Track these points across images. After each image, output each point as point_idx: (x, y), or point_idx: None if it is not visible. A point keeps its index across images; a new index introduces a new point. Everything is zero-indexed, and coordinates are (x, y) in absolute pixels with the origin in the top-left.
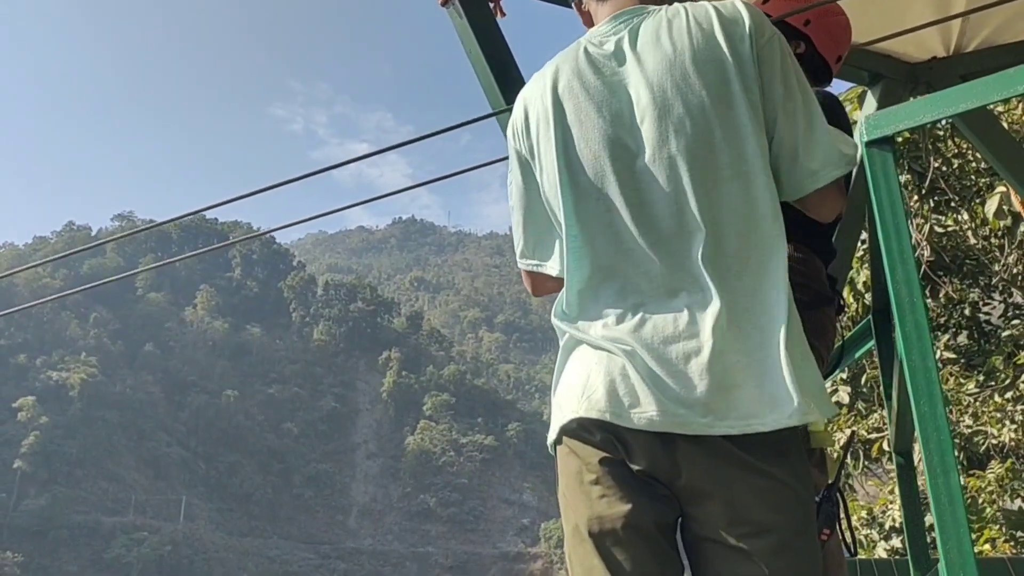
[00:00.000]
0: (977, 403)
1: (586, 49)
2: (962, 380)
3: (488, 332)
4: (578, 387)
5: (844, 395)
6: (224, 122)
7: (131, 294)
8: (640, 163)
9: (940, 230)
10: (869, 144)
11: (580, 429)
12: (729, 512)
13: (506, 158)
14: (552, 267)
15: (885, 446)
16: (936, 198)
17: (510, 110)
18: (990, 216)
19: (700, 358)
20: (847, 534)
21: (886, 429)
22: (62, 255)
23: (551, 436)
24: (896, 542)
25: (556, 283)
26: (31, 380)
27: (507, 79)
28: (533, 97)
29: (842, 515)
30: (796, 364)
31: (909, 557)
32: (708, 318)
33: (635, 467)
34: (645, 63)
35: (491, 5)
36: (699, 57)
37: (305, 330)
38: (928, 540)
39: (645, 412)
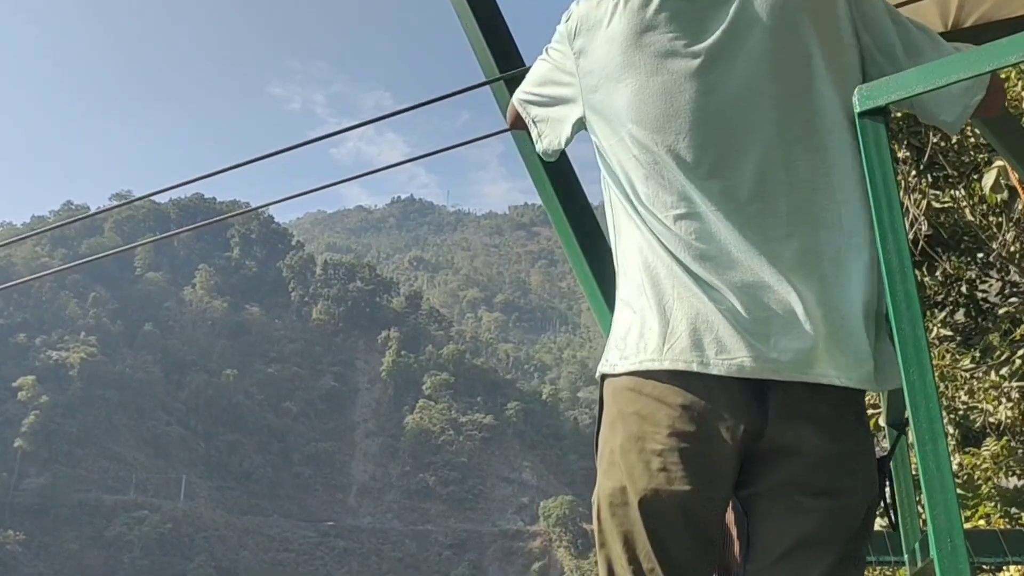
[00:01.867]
0: (973, 380)
1: None
2: (958, 357)
3: (487, 312)
4: (656, 327)
5: None
6: (222, 101)
7: (130, 274)
8: (730, 100)
9: (938, 205)
10: (862, 115)
11: (655, 380)
12: (805, 470)
13: (503, 131)
14: (535, 133)
15: (881, 422)
16: (934, 173)
17: (505, 78)
18: (987, 190)
19: (793, 304)
20: (891, 510)
21: (880, 405)
22: (60, 223)
23: (611, 368)
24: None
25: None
26: (31, 359)
27: (501, 47)
28: (606, 12)
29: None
30: (881, 326)
31: (901, 529)
32: (801, 266)
33: (713, 430)
34: (744, 7)
35: None
36: (798, 13)
37: (304, 309)
38: (919, 515)
39: (735, 358)
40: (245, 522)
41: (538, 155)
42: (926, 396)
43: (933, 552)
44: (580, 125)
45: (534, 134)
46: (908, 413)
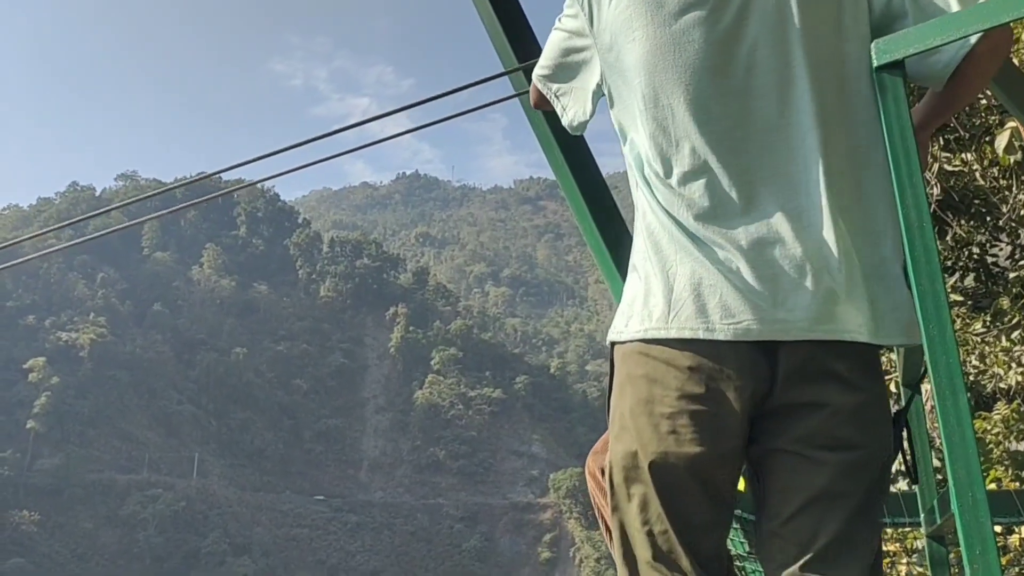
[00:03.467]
0: (984, 344)
1: None
2: (968, 321)
3: (494, 286)
4: (661, 294)
5: None
6: (224, 79)
7: (137, 254)
8: (743, 51)
9: (950, 169)
10: (879, 69)
11: (663, 345)
12: (817, 424)
13: (506, 99)
14: (559, 106)
15: (892, 388)
16: (945, 136)
17: (524, 68)
18: (1000, 151)
19: (801, 261)
20: (910, 465)
21: (892, 371)
22: (70, 222)
23: (618, 335)
24: (903, 484)
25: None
26: (41, 341)
27: (517, 32)
28: None
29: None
30: (899, 281)
31: (918, 490)
32: (812, 221)
33: (721, 391)
34: None
35: None
36: None
37: (312, 287)
38: (935, 475)
39: (741, 322)
40: (258, 498)
41: (549, 129)
42: (946, 351)
43: (954, 507)
44: (601, 91)
45: (558, 108)
46: (928, 368)
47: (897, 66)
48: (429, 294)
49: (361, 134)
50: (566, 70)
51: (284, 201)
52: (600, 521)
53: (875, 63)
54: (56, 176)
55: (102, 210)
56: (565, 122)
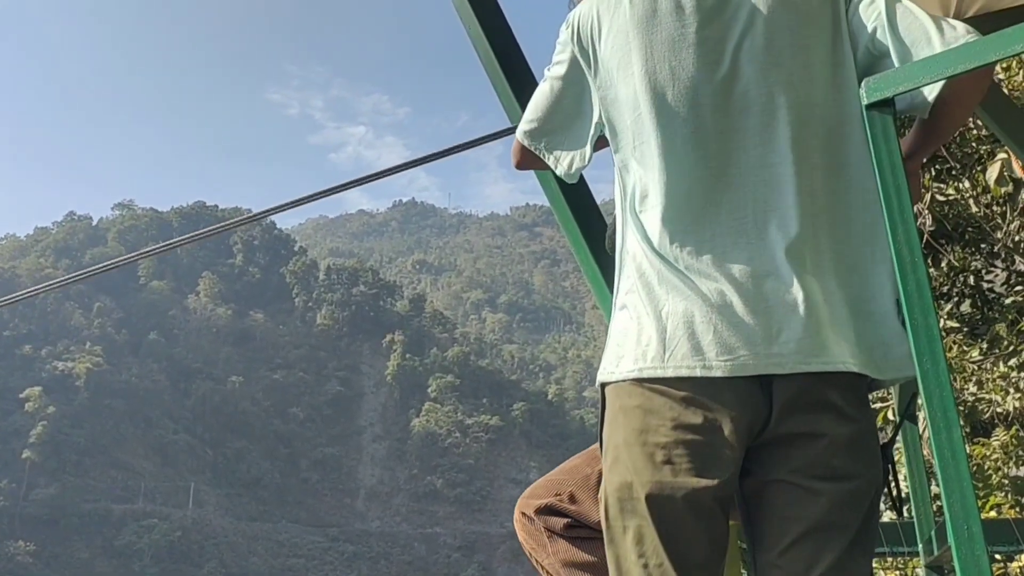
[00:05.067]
0: (981, 371)
1: None
2: (965, 348)
3: (491, 313)
4: (654, 333)
5: None
6: (221, 108)
7: (134, 283)
8: (737, 90)
9: (941, 198)
10: (869, 107)
11: (656, 382)
12: (813, 454)
13: (504, 134)
14: (551, 160)
15: (890, 415)
16: (937, 166)
17: (517, 99)
18: (991, 183)
19: (793, 295)
20: (895, 494)
21: (890, 399)
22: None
23: (610, 375)
24: (892, 514)
25: (541, 164)
26: (37, 370)
27: (508, 57)
28: (612, 7)
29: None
30: (888, 317)
31: (915, 519)
32: (802, 254)
33: (717, 422)
34: (754, 2)
35: None
36: (804, 9)
37: (308, 315)
38: (932, 504)
39: (737, 357)
40: (254, 528)
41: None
42: (939, 385)
43: (951, 539)
44: (599, 130)
45: (550, 162)
46: (921, 401)
47: (887, 104)
48: (426, 321)
49: (358, 162)
50: (559, 116)
51: (280, 229)
52: (538, 568)
53: (865, 101)
54: (53, 206)
55: (134, 255)
56: (560, 172)
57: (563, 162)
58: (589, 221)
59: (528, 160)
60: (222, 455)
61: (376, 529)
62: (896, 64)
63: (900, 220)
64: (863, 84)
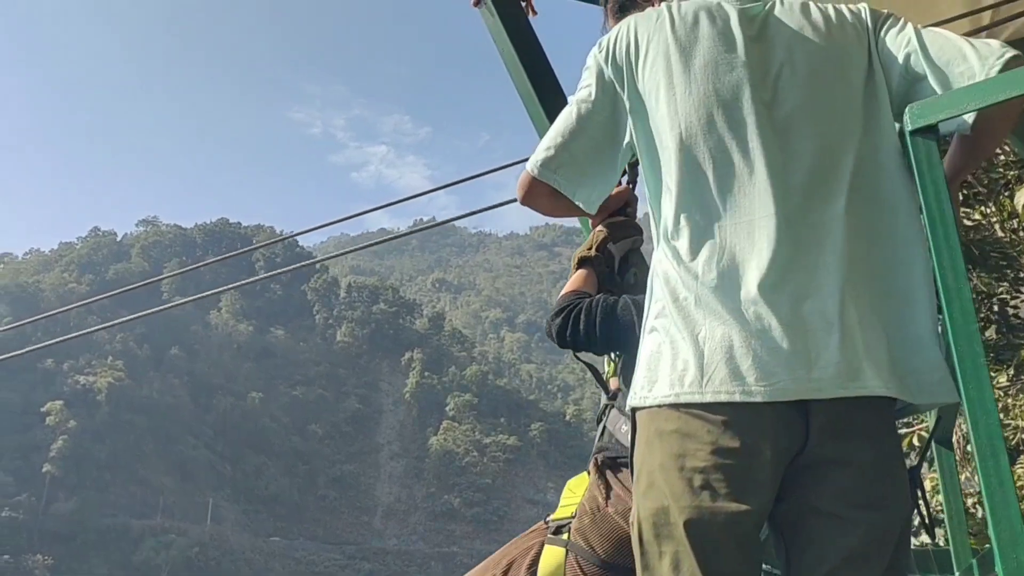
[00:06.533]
0: (1007, 397)
1: (720, 4)
2: (992, 374)
3: (510, 332)
4: (691, 357)
5: None
6: (245, 127)
7: (156, 298)
8: (778, 115)
9: (968, 223)
10: (913, 133)
11: (693, 407)
12: (848, 482)
13: (523, 161)
14: (569, 189)
15: (915, 441)
16: (964, 191)
17: (551, 121)
18: (1019, 208)
19: (831, 318)
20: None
21: (915, 424)
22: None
23: (642, 400)
24: (924, 538)
25: (549, 201)
26: (59, 384)
27: (540, 77)
28: (651, 30)
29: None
30: (926, 342)
31: (952, 546)
32: (839, 277)
33: (756, 447)
34: (792, 28)
35: (523, 4)
36: (839, 42)
37: (328, 332)
38: (967, 531)
39: (776, 382)
40: (272, 545)
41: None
42: (986, 412)
43: (998, 569)
44: (628, 155)
45: (567, 192)
46: (967, 428)
47: (931, 130)
48: (445, 339)
49: (379, 180)
50: (586, 141)
51: (302, 247)
52: None
53: (909, 127)
54: (78, 221)
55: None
56: (580, 200)
57: (580, 193)
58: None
59: (536, 194)
60: (241, 471)
61: (393, 547)
62: (933, 85)
63: (945, 247)
64: (907, 110)
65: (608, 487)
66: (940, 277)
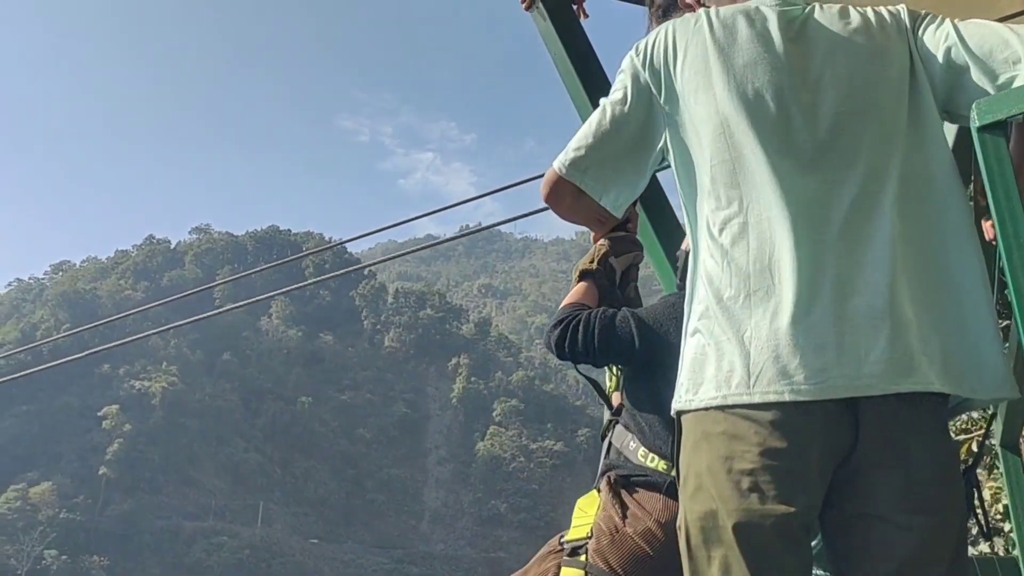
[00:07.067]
0: None
1: (759, 8)
2: None
3: None
4: (737, 358)
5: None
6: (295, 135)
7: (209, 305)
8: (821, 111)
9: None
10: (981, 129)
11: (741, 408)
12: (903, 485)
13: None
14: (597, 191)
15: (974, 447)
16: None
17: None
18: None
19: (882, 313)
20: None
21: (974, 430)
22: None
23: (688, 403)
24: (984, 546)
25: (572, 201)
26: (115, 389)
27: (591, 80)
28: (689, 34)
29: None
30: (984, 338)
31: (1020, 555)
32: (891, 271)
33: (805, 447)
34: (832, 31)
35: (575, 7)
36: (880, 43)
37: (376, 337)
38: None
39: (825, 380)
40: (320, 548)
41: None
42: None
43: None
44: (659, 159)
45: (594, 195)
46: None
47: (999, 126)
48: (491, 345)
49: (425, 187)
50: (618, 142)
51: (351, 253)
52: None
53: (976, 124)
54: (133, 229)
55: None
56: (608, 203)
57: (610, 195)
58: (663, 222)
59: (561, 193)
60: (290, 474)
61: (440, 552)
62: (976, 76)
63: (1015, 244)
64: (973, 107)
65: (624, 506)
66: (1011, 275)
